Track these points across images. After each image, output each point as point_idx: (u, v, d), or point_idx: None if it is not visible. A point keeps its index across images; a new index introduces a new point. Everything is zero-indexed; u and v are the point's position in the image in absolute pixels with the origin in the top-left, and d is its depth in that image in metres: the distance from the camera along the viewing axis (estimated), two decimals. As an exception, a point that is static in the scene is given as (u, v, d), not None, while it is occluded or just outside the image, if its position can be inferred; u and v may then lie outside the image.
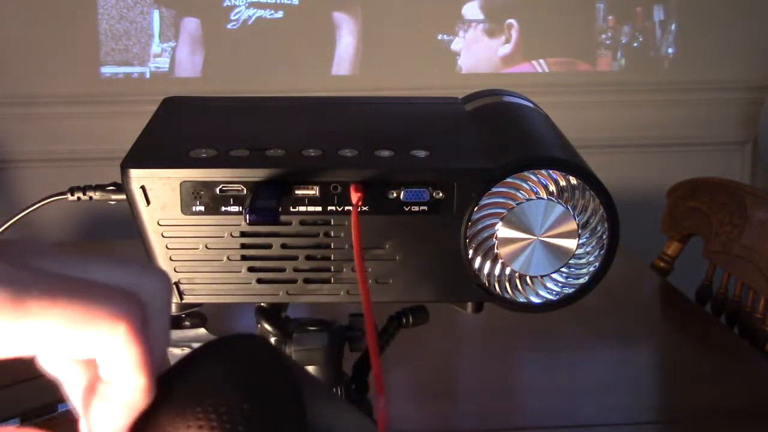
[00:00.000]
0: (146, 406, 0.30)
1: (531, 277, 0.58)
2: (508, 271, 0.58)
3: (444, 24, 2.26)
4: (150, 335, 0.30)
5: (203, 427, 0.29)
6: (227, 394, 0.30)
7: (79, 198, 0.61)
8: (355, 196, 0.55)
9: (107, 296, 0.29)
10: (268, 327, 0.65)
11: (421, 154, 0.58)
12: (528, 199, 0.57)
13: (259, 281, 0.58)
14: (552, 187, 0.57)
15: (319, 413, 0.31)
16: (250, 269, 0.58)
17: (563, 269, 0.58)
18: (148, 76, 2.23)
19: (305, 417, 0.30)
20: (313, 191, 0.56)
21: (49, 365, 0.31)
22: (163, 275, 0.32)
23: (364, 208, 0.56)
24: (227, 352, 0.32)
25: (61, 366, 0.31)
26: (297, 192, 0.56)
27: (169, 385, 0.31)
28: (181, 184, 0.56)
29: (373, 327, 0.48)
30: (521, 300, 0.59)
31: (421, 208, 0.57)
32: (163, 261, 0.57)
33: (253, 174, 0.56)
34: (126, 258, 0.32)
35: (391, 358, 0.69)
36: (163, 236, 0.57)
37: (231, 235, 0.57)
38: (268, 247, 0.57)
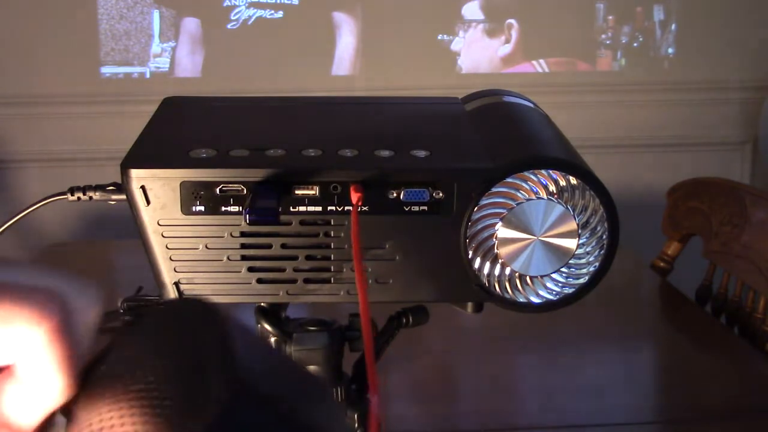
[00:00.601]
0: (65, 401, 0.30)
1: (531, 277, 0.58)
2: (508, 271, 0.58)
3: (444, 24, 2.26)
4: (72, 334, 0.30)
5: (123, 409, 0.29)
6: (145, 371, 0.30)
7: (79, 198, 0.61)
8: (355, 196, 0.55)
9: (24, 297, 0.29)
10: (268, 327, 0.65)
11: (421, 154, 0.58)
12: (528, 199, 0.57)
13: (259, 281, 0.58)
14: (552, 187, 0.57)
15: (262, 378, 0.31)
16: (250, 269, 0.58)
17: (563, 269, 0.58)
18: (148, 76, 2.23)
19: (237, 385, 0.29)
20: (313, 191, 0.56)
21: None
22: (89, 282, 0.32)
23: (364, 208, 0.56)
24: (154, 325, 0.32)
25: None
26: (297, 192, 0.56)
27: (88, 371, 0.31)
28: (181, 184, 0.56)
29: (369, 326, 0.48)
30: (521, 300, 0.59)
31: (421, 208, 0.57)
32: (163, 261, 0.57)
33: (253, 174, 0.56)
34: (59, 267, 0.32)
35: (391, 358, 0.69)
36: (163, 236, 0.57)
37: (231, 235, 0.57)
38: (268, 247, 0.57)
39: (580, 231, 0.57)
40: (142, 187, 0.56)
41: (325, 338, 0.66)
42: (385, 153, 0.58)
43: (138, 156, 0.57)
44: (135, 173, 0.55)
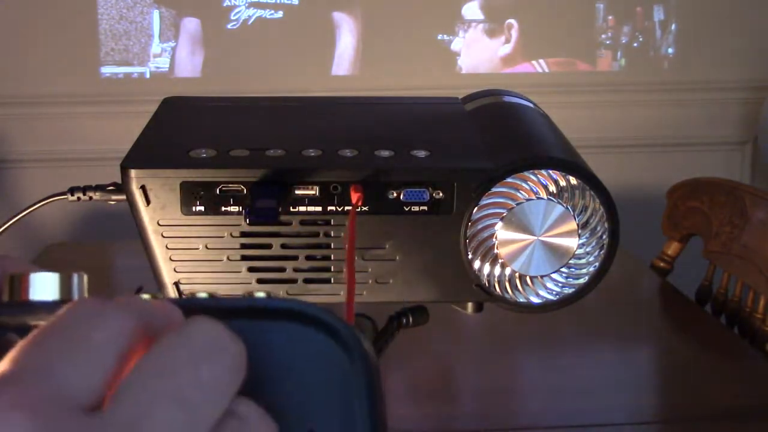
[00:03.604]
0: None
1: (531, 278, 0.58)
2: (508, 271, 0.58)
3: (444, 24, 2.26)
4: None
5: None
6: None
7: (79, 198, 0.61)
8: (355, 196, 0.55)
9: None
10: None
11: (421, 154, 0.58)
12: (528, 199, 0.57)
13: (259, 281, 0.58)
14: (552, 187, 0.57)
15: None
16: (250, 269, 0.58)
17: (563, 269, 0.58)
18: (148, 76, 2.23)
19: None
20: (313, 191, 0.56)
21: None
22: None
23: (364, 208, 0.56)
24: None
25: None
26: (297, 192, 0.56)
27: None
28: (181, 184, 0.56)
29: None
30: (521, 300, 0.59)
31: (421, 208, 0.57)
32: (163, 261, 0.57)
33: (253, 174, 0.56)
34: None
35: (391, 358, 0.69)
36: (163, 236, 0.57)
37: (231, 235, 0.57)
38: (268, 247, 0.57)
39: (580, 231, 0.57)
40: (142, 187, 0.56)
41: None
42: (385, 153, 0.58)
43: (138, 156, 0.57)
44: (135, 173, 0.55)
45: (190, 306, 0.25)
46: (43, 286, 0.27)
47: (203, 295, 0.26)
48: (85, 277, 0.27)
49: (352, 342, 0.25)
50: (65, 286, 0.27)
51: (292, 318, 0.26)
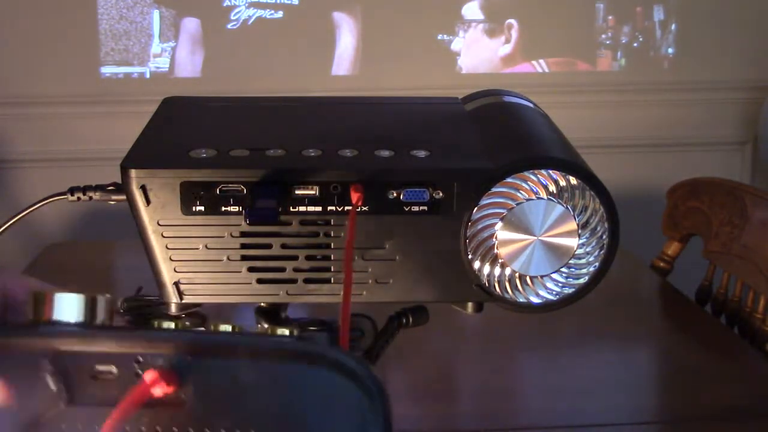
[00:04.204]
0: None
1: (531, 278, 0.58)
2: (508, 271, 0.58)
3: (444, 24, 2.26)
4: None
5: None
6: None
7: (79, 198, 0.61)
8: (354, 196, 0.55)
9: None
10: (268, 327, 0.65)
11: (421, 154, 0.58)
12: (528, 199, 0.57)
13: (259, 281, 0.58)
14: (552, 187, 0.57)
15: None
16: (250, 269, 0.58)
17: (563, 269, 0.58)
18: (148, 76, 2.23)
19: None
20: (313, 191, 0.56)
21: None
22: None
23: (364, 208, 0.56)
24: None
25: None
26: (297, 192, 0.56)
27: None
28: (181, 184, 0.56)
29: (347, 326, 0.48)
30: (521, 300, 0.59)
31: (421, 208, 0.57)
32: (163, 261, 0.57)
33: (253, 174, 0.56)
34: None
35: (391, 358, 0.69)
36: (163, 236, 0.57)
37: (231, 235, 0.57)
38: (268, 247, 0.57)
39: (580, 231, 0.57)
40: (142, 187, 0.56)
41: (325, 338, 0.66)
42: (385, 153, 0.58)
43: (138, 156, 0.57)
44: (135, 173, 0.55)
45: (211, 341, 0.26)
46: (67, 306, 0.28)
47: (227, 327, 0.28)
48: (110, 298, 0.29)
49: (370, 383, 0.27)
50: (89, 307, 0.28)
51: (314, 361, 0.27)
